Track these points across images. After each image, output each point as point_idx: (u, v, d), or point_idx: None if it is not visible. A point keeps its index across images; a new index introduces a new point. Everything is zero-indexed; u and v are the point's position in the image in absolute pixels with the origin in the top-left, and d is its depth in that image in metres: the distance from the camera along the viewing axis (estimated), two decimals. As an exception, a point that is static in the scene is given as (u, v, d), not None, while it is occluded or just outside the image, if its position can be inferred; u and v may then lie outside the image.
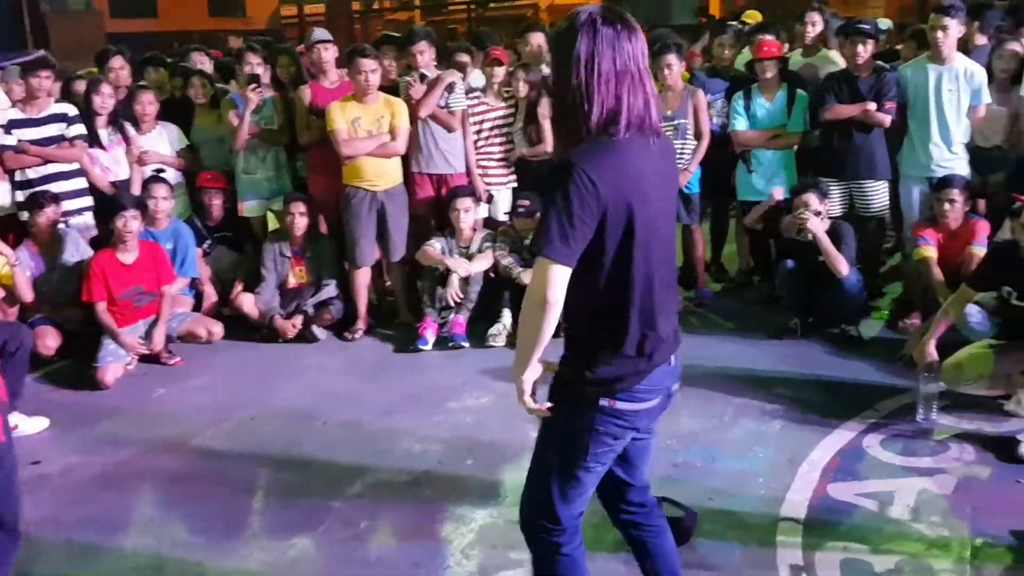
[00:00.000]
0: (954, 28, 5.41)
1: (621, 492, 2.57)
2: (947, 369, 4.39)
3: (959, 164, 5.54)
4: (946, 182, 5.29)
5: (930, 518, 3.49)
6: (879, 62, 5.85)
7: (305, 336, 5.84)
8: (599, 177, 2.09)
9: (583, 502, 2.42)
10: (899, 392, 4.63)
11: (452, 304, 5.79)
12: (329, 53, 6.05)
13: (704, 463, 4.01)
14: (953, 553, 3.25)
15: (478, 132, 6.24)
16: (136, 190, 5.97)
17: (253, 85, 5.97)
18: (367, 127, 5.73)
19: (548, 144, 6.16)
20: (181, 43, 17.77)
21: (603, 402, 2.26)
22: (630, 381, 2.26)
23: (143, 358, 5.53)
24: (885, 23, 8.24)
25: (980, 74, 5.48)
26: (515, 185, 6.30)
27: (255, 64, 6.13)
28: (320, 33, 6.22)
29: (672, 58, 6.10)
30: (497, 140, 6.27)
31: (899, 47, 6.98)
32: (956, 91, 5.45)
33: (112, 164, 6.02)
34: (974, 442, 4.09)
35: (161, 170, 6.16)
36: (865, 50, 5.59)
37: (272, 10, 22.26)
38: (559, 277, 2.11)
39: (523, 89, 6.14)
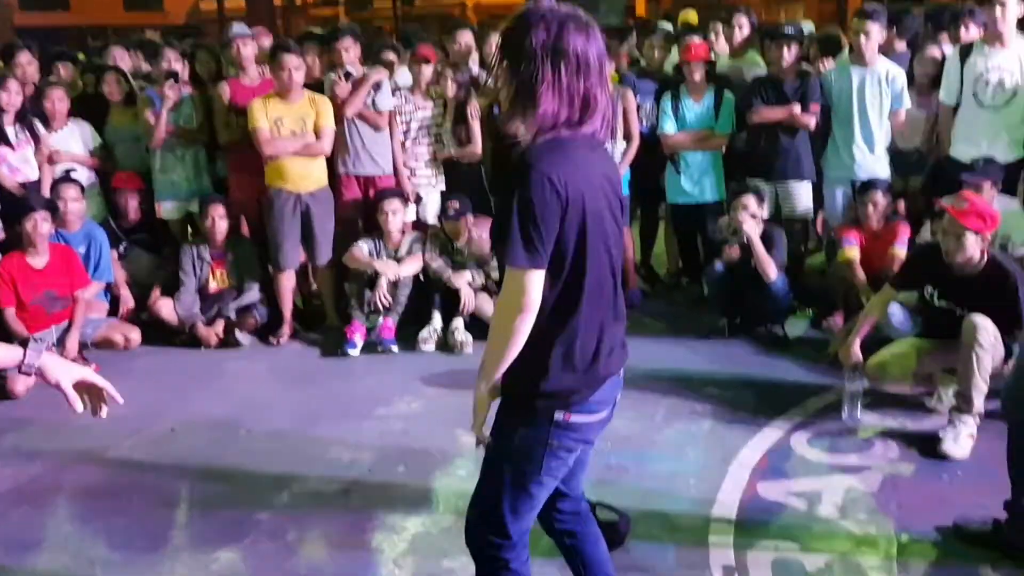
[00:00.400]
0: (876, 32, 5.53)
1: (555, 501, 2.52)
2: (871, 368, 4.47)
3: (881, 166, 5.66)
4: (869, 185, 5.41)
5: (857, 516, 3.53)
6: (804, 65, 5.95)
7: (228, 342, 5.68)
8: (560, 178, 2.02)
9: (533, 517, 2.37)
10: (825, 391, 4.71)
11: (381, 308, 5.70)
12: (248, 49, 5.89)
13: (637, 465, 4.01)
14: (880, 550, 3.30)
15: (406, 132, 6.15)
16: (46, 191, 5.73)
17: (171, 82, 5.77)
18: (290, 126, 5.59)
19: (478, 145, 6.12)
20: (95, 37, 17.27)
21: (558, 416, 2.18)
22: (584, 393, 2.19)
23: (56, 366, 5.29)
24: (808, 26, 8.39)
25: (901, 77, 5.61)
26: (443, 187, 6.22)
27: (173, 60, 5.94)
28: (239, 28, 6.05)
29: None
30: (425, 140, 6.19)
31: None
32: (878, 94, 5.57)
33: (20, 164, 5.76)
34: (898, 439, 4.18)
35: (72, 170, 5.93)
36: (789, 53, 5.67)
37: (191, 5, 21.72)
38: (534, 281, 2.05)
39: (452, 88, 6.08)
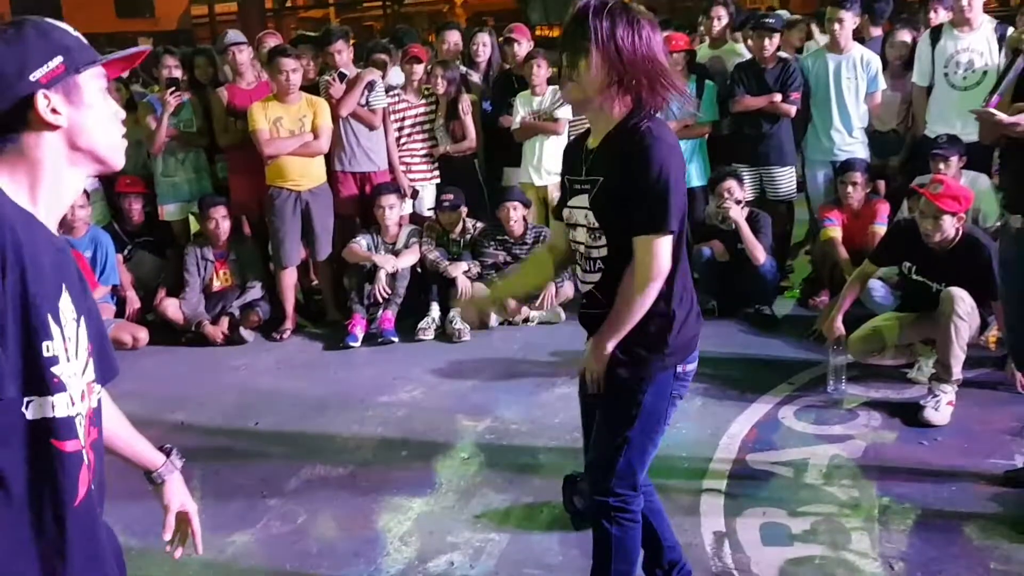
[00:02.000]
0: (849, 19, 5.70)
1: None
2: (854, 342, 4.64)
3: (859, 148, 5.83)
4: (848, 166, 5.58)
5: (841, 481, 3.71)
6: (783, 53, 6.11)
7: (233, 339, 5.84)
8: (677, 147, 2.31)
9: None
10: (811, 365, 4.88)
11: (380, 300, 5.86)
12: (244, 55, 6.06)
13: (630, 442, 4.17)
14: (863, 512, 3.47)
15: (400, 129, 6.31)
16: (51, 197, 5.88)
17: (172, 89, 5.93)
18: (289, 127, 5.75)
19: (471, 139, 6.28)
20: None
21: (679, 369, 2.44)
22: (695, 341, 2.47)
23: (68, 367, 5.45)
24: (786, 14, 8.59)
25: (876, 62, 5.77)
26: (438, 180, 6.39)
27: (173, 67, 6.09)
28: (233, 35, 6.21)
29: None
30: (419, 137, 6.35)
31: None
32: (854, 79, 5.74)
33: (25, 172, 5.92)
34: (881, 409, 4.35)
35: (77, 177, 6.07)
36: (771, 43, 5.83)
37: (182, 10, 21.83)
38: (667, 247, 2.28)
39: (442, 86, 6.23)
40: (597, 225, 2.36)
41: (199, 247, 6.00)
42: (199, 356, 5.74)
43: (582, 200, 2.40)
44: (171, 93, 5.92)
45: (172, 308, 5.91)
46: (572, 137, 2.67)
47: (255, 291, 6.00)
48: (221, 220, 5.89)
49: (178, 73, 6.10)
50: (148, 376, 5.44)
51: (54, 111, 1.39)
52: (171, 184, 6.16)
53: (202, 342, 5.85)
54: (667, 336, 2.38)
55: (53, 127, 1.40)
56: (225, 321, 5.86)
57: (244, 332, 5.85)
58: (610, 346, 2.38)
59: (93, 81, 1.45)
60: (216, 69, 6.34)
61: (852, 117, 5.79)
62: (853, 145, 5.82)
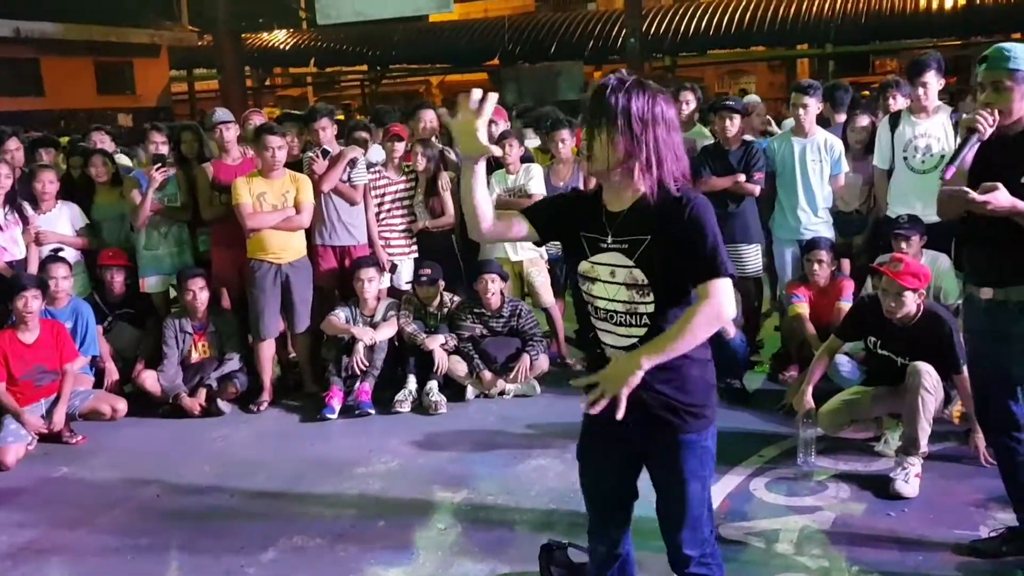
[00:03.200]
0: (813, 105, 5.97)
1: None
2: (823, 415, 4.76)
3: (824, 228, 6.04)
4: (813, 244, 5.78)
5: (812, 551, 3.78)
6: (747, 136, 6.35)
7: (210, 410, 5.86)
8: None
9: None
10: (781, 439, 4.97)
11: (358, 372, 5.92)
12: (231, 132, 6.22)
13: (605, 513, 4.22)
14: (833, 581, 3.55)
15: (380, 205, 6.46)
16: (33, 269, 5.95)
17: (158, 165, 6.06)
18: (272, 201, 5.88)
19: (450, 215, 6.43)
20: (68, 121, 17.56)
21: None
22: None
23: (44, 438, 5.46)
24: (754, 98, 8.93)
25: (839, 145, 6.03)
26: (416, 255, 6.52)
27: (160, 143, 6.23)
28: (222, 114, 6.38)
29: (565, 133, 6.51)
30: (399, 212, 6.50)
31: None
32: (819, 161, 5.99)
33: (8, 244, 5.98)
34: (850, 481, 4.44)
35: (59, 249, 6.16)
36: (732, 124, 6.07)
37: (162, 87, 22.12)
38: (731, 289, 2.45)
39: (422, 163, 6.41)
40: (646, 282, 2.50)
41: (177, 319, 6.06)
42: (177, 428, 5.75)
43: (614, 258, 2.53)
44: (157, 169, 6.05)
45: (150, 380, 5.93)
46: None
47: (233, 363, 6.05)
48: (199, 292, 5.97)
49: (164, 149, 6.24)
50: (126, 447, 5.45)
51: None
52: (153, 257, 6.24)
53: (180, 414, 5.86)
54: (711, 386, 2.64)
55: None
56: (203, 393, 5.89)
57: (221, 404, 5.87)
58: (647, 365, 2.42)
59: None
60: (202, 144, 6.48)
61: (817, 198, 6.02)
62: (818, 225, 6.03)
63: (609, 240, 2.54)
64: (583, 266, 2.61)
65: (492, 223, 2.64)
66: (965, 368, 4.49)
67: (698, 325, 2.43)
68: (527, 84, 18.98)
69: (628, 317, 2.55)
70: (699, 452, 2.62)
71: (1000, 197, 3.05)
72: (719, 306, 2.42)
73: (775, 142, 6.23)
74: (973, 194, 3.06)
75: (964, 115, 3.51)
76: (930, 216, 5.60)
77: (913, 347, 4.50)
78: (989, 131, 3.16)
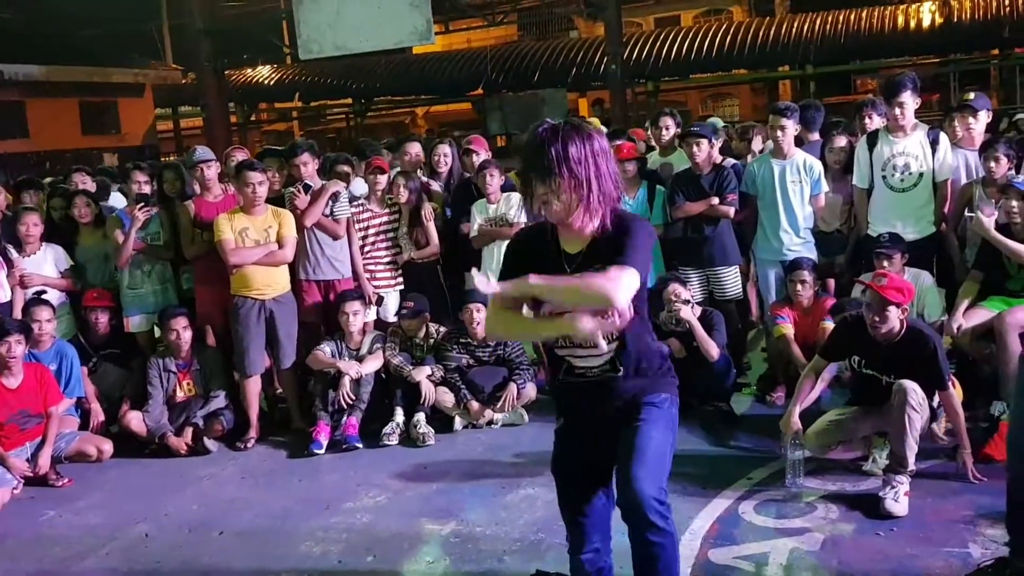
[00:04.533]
0: (790, 126, 6.03)
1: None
2: (810, 436, 4.75)
3: (806, 248, 6.07)
4: (796, 265, 5.80)
5: (801, 574, 3.77)
6: (725, 158, 6.39)
7: (197, 449, 5.83)
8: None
9: None
10: (770, 461, 4.97)
11: (344, 406, 5.90)
12: (212, 171, 6.23)
13: (595, 541, 4.20)
14: (823, 604, 3.53)
15: (364, 237, 6.47)
16: (17, 313, 5.93)
17: (141, 204, 6.07)
18: (255, 237, 5.89)
19: (434, 246, 6.45)
20: (54, 163, 17.57)
21: None
22: None
23: (30, 481, 5.41)
24: (719, 122, 9.15)
25: (817, 165, 6.09)
26: (402, 287, 6.52)
27: (142, 183, 6.24)
28: (202, 152, 6.39)
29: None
30: (383, 244, 6.51)
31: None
32: (798, 182, 6.03)
33: (-8, 287, 5.98)
34: (838, 501, 4.43)
35: (42, 291, 6.14)
36: (700, 149, 6.11)
37: (148, 125, 22.18)
38: (635, 283, 2.65)
39: (404, 195, 6.43)
40: None
41: (162, 358, 6.03)
42: (163, 467, 5.71)
43: None
44: (140, 208, 6.05)
45: (135, 421, 5.90)
46: (520, 234, 2.97)
47: (219, 400, 6.02)
48: (182, 331, 5.95)
49: (147, 188, 6.25)
50: (113, 488, 5.40)
51: None
52: (136, 296, 6.23)
53: (167, 453, 5.83)
54: (671, 370, 2.97)
55: None
56: (189, 432, 5.85)
57: (208, 442, 5.84)
58: (535, 279, 2.66)
59: None
60: (184, 183, 6.49)
61: (798, 218, 6.05)
62: (800, 246, 6.06)
63: (572, 273, 2.75)
64: (547, 307, 2.80)
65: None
66: (950, 384, 4.54)
67: (591, 281, 2.62)
68: (511, 112, 19.07)
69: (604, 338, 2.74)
70: (663, 412, 2.89)
71: None
72: (614, 281, 2.58)
73: (754, 164, 6.28)
74: None
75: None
76: (911, 234, 5.69)
77: (897, 364, 4.51)
78: None
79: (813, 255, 6.05)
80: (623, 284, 2.59)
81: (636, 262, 2.65)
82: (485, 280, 2.74)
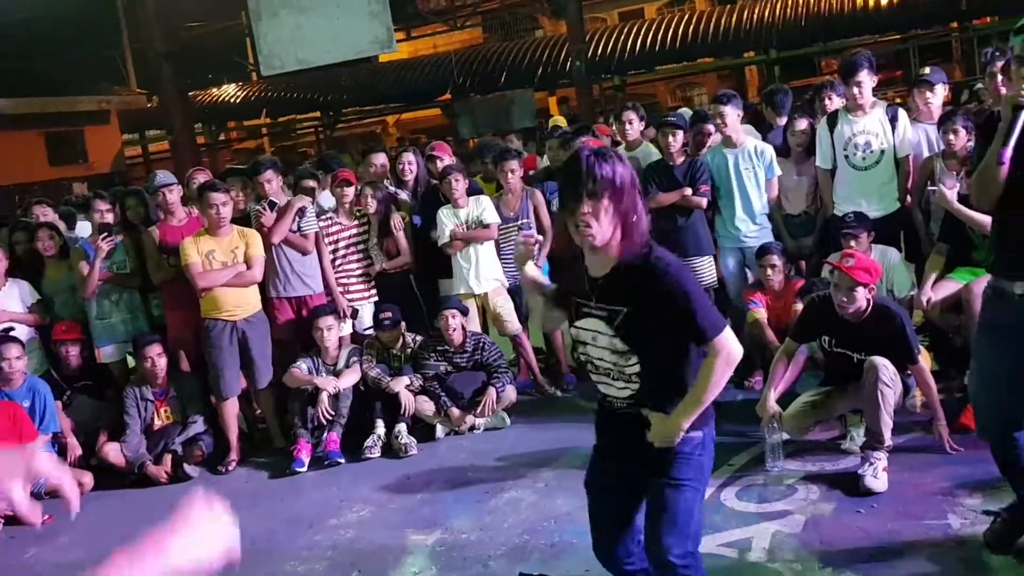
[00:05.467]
0: (732, 114, 6.05)
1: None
2: (788, 419, 4.76)
3: (763, 234, 6.11)
4: (764, 249, 5.82)
5: (784, 557, 3.78)
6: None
7: (177, 476, 5.78)
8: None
9: None
10: (749, 446, 4.98)
11: (324, 422, 5.87)
12: (174, 195, 6.19)
13: (579, 539, 4.17)
14: (807, 586, 3.54)
15: (334, 251, 6.45)
16: (-15, 352, 5.86)
17: (104, 234, 6.02)
18: (221, 259, 5.85)
19: (405, 255, 6.43)
20: (22, 195, 17.41)
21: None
22: None
23: (9, 520, 5.35)
24: (688, 113, 9.12)
25: (769, 150, 6.13)
26: (376, 298, 6.50)
27: (104, 211, 6.19)
28: (163, 177, 6.35)
29: (514, 164, 6.55)
30: (354, 257, 6.49)
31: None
32: (752, 168, 6.05)
33: (-40, 327, 5.91)
34: (819, 481, 4.46)
35: (10, 328, 6.08)
36: (675, 140, 6.13)
37: (115, 152, 22.01)
38: (733, 336, 2.65)
39: (373, 206, 6.41)
40: (626, 348, 2.67)
41: (137, 387, 5.98)
42: (144, 497, 5.66)
43: (596, 324, 2.72)
44: (103, 238, 6.00)
45: (113, 452, 5.85)
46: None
47: (197, 426, 5.98)
48: (157, 358, 5.90)
49: (110, 217, 6.20)
50: (94, 522, 5.31)
51: None
52: (107, 326, 6.18)
53: (147, 482, 5.78)
54: (711, 414, 2.80)
55: None
56: (168, 459, 5.81)
57: (188, 469, 5.80)
58: (685, 424, 2.67)
59: None
60: (147, 208, 6.44)
61: (755, 205, 6.08)
62: (758, 231, 6.10)
63: (592, 305, 2.73)
64: (573, 330, 2.83)
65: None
66: (921, 358, 4.57)
67: (718, 378, 2.65)
68: (480, 115, 19.08)
69: (619, 375, 2.74)
70: (693, 463, 2.76)
71: None
72: (729, 355, 2.63)
73: (708, 155, 6.29)
74: None
75: (1005, 92, 3.31)
76: (876, 212, 5.71)
77: (867, 342, 4.53)
78: None
79: (771, 239, 6.07)
80: (733, 351, 2.64)
81: (717, 321, 2.65)
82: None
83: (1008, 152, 2.99)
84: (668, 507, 2.73)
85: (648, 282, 2.61)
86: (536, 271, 2.86)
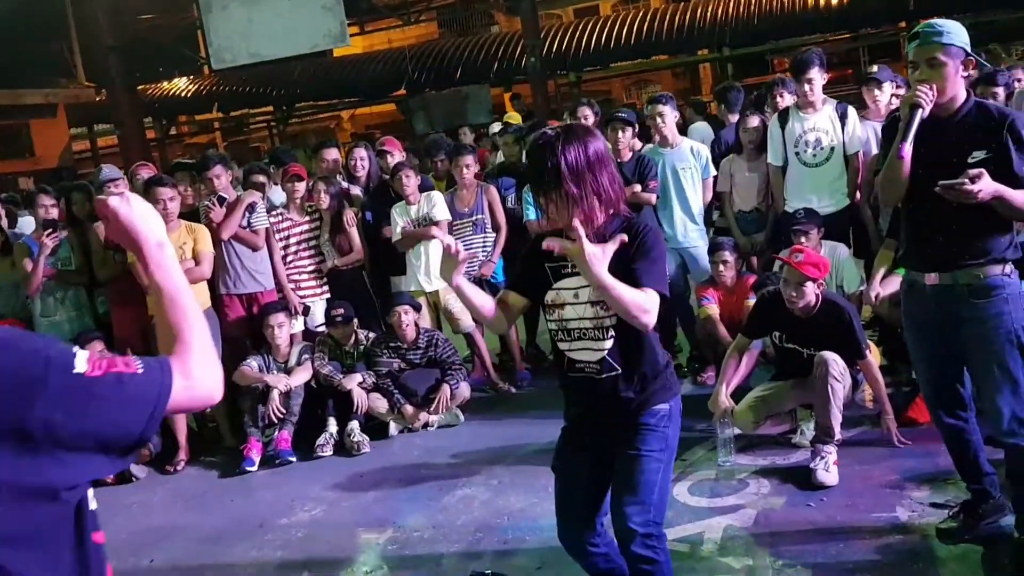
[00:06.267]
0: (669, 113, 6.10)
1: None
2: (739, 414, 4.79)
3: (701, 235, 6.19)
4: (717, 246, 5.85)
5: (736, 550, 3.81)
6: (646, 144, 6.41)
7: (123, 476, 5.66)
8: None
9: None
10: (703, 441, 5.00)
11: (275, 420, 5.79)
12: (120, 190, 6.05)
13: (533, 535, 4.19)
14: (758, 579, 3.57)
15: (286, 247, 6.36)
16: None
17: (49, 231, 5.87)
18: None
19: (358, 251, 6.37)
20: (-34, 191, 16.96)
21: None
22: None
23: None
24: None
25: (705, 150, 6.20)
26: (328, 295, 6.43)
27: (49, 207, 6.04)
28: (108, 171, 6.23)
29: (469, 159, 6.50)
30: (306, 253, 6.41)
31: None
32: (688, 168, 6.10)
33: None
34: (770, 476, 4.49)
35: (-49, 325, 5.91)
36: (624, 136, 6.12)
37: (63, 146, 21.55)
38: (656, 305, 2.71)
39: (325, 201, 6.33)
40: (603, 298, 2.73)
41: (84, 385, 5.84)
42: (89, 498, 5.53)
43: (578, 281, 2.78)
44: (48, 235, 5.85)
45: (59, 451, 5.70)
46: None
47: (146, 424, 5.85)
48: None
49: (55, 212, 6.05)
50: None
51: None
52: (51, 324, 6.03)
53: (93, 483, 5.63)
54: (672, 376, 2.92)
55: None
56: (115, 458, 5.68)
57: (135, 468, 5.67)
58: (600, 272, 2.58)
59: None
60: (93, 204, 6.29)
61: (693, 206, 6.12)
62: (696, 231, 6.15)
63: (571, 266, 2.77)
64: (549, 295, 2.87)
65: (495, 309, 2.94)
66: (869, 353, 4.63)
67: (629, 296, 2.64)
68: (436, 111, 18.99)
69: (596, 332, 2.81)
70: (658, 435, 2.82)
71: (988, 184, 3.04)
72: (646, 302, 2.65)
73: (645, 156, 6.29)
74: (970, 185, 3.00)
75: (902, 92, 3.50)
76: (826, 208, 5.77)
77: (816, 337, 4.58)
78: (929, 106, 3.15)
79: (705, 242, 6.11)
80: (653, 310, 2.67)
81: (659, 283, 2.71)
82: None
83: (907, 147, 3.15)
84: (630, 477, 2.81)
85: (629, 239, 2.68)
86: (461, 280, 2.82)
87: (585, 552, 3.04)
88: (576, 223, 2.63)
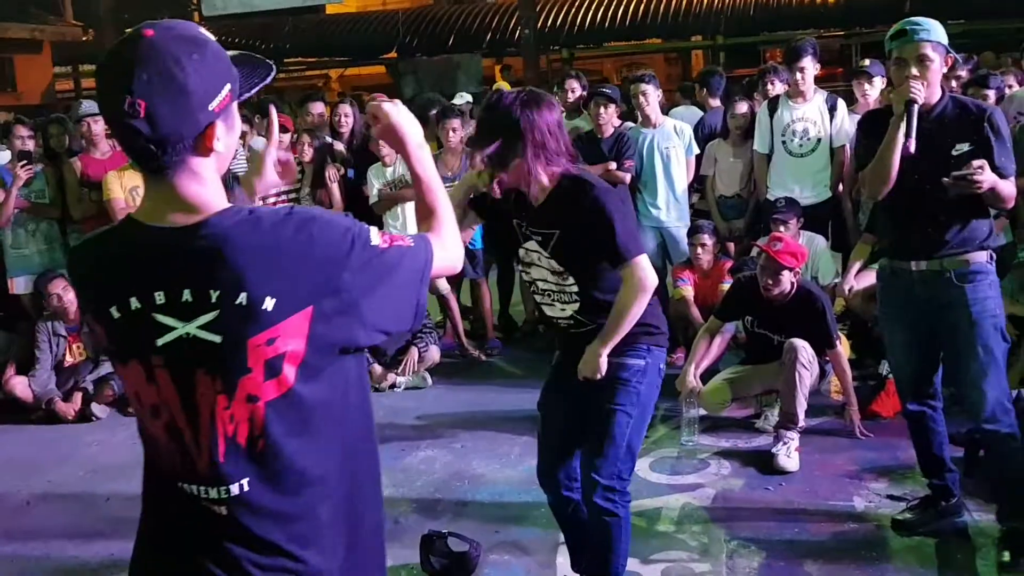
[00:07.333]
0: (652, 93, 6.08)
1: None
2: (705, 395, 4.82)
3: (682, 214, 6.17)
4: (696, 228, 5.86)
5: (692, 528, 3.84)
6: (626, 123, 6.38)
7: (85, 415, 5.62)
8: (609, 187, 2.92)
9: None
10: (666, 420, 5.02)
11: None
12: (99, 126, 5.96)
13: (492, 500, 4.22)
14: (711, 556, 3.60)
15: (264, 199, 6.27)
16: None
17: (23, 162, 5.77)
18: (145, 196, 5.66)
19: (338, 207, 6.31)
20: (-57, 121, 16.64)
21: (661, 365, 3.01)
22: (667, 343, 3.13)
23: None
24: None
25: (687, 130, 6.20)
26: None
27: (25, 138, 5.94)
28: (88, 106, 6.11)
29: (456, 122, 6.44)
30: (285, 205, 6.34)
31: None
32: (671, 147, 6.09)
33: None
34: (731, 458, 4.53)
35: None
36: (607, 113, 6.08)
37: (46, 84, 21.20)
38: (648, 263, 2.78)
39: (309, 153, 6.27)
40: (562, 269, 2.82)
41: (50, 321, 5.78)
42: (48, 435, 5.49)
43: (536, 247, 2.87)
44: (22, 166, 5.76)
45: (21, 386, 5.65)
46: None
47: (109, 364, 5.81)
48: (62, 292, 5.65)
49: (31, 144, 5.96)
50: (-7, 456, 5.19)
51: (218, 139, 1.44)
52: (21, 256, 5.96)
53: (54, 419, 5.60)
54: (655, 334, 2.92)
55: (212, 153, 1.44)
56: (78, 397, 5.64)
57: (96, 409, 5.62)
58: (605, 352, 2.80)
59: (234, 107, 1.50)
60: (71, 138, 6.20)
61: (676, 186, 6.11)
62: (677, 211, 6.14)
63: (532, 230, 2.87)
64: (520, 252, 2.95)
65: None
66: (839, 344, 4.66)
67: (631, 304, 2.76)
68: (426, 77, 18.82)
69: (560, 295, 2.89)
70: (629, 390, 2.88)
71: (989, 176, 3.09)
72: (642, 282, 2.75)
73: (625, 134, 6.27)
74: (980, 176, 3.04)
75: (888, 90, 3.52)
76: (808, 199, 5.79)
77: (788, 324, 4.60)
78: (922, 100, 3.16)
79: (686, 222, 6.11)
80: (645, 278, 2.75)
81: (632, 245, 2.76)
82: None
83: (913, 142, 3.16)
84: (598, 429, 2.88)
85: (576, 202, 2.75)
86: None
87: (555, 490, 3.13)
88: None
